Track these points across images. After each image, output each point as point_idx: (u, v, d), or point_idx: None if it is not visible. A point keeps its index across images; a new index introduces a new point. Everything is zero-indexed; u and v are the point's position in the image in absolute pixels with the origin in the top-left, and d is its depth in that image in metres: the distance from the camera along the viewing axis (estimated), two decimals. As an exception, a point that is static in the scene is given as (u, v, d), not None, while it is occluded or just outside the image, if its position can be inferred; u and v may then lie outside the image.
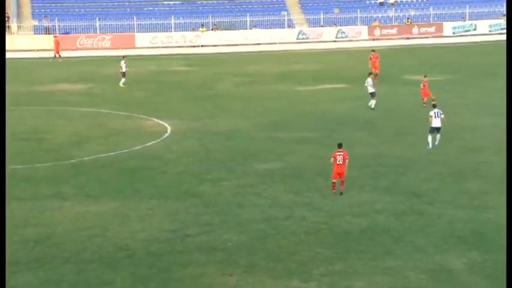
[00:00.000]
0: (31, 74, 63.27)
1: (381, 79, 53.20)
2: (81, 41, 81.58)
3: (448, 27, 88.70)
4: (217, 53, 78.21)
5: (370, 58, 58.44)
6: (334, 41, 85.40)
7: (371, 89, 44.94)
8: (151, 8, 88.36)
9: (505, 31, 75.98)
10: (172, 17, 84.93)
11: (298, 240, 23.34)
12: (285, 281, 20.33)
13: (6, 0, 78.57)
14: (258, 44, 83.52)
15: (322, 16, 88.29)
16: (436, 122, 34.71)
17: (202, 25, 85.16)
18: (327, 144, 34.00)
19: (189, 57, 75.39)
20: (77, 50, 79.74)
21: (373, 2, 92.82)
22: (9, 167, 28.61)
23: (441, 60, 67.40)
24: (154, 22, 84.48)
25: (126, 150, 35.43)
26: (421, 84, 45.99)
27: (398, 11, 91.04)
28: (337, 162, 27.54)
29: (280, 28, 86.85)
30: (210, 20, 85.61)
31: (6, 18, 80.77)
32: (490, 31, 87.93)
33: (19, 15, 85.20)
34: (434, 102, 37.10)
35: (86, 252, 22.56)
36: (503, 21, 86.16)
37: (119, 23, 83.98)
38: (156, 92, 53.15)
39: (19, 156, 33.84)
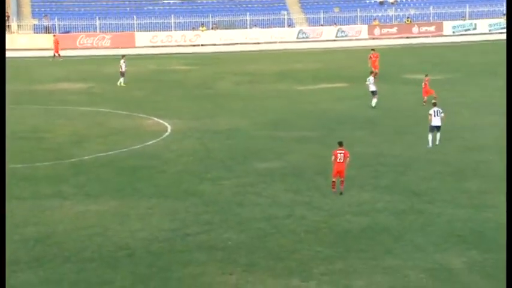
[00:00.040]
0: (31, 73, 63.27)
1: (380, 78, 53.14)
2: (81, 40, 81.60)
3: (448, 26, 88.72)
4: (217, 52, 78.19)
5: (370, 57, 58.50)
6: (334, 40, 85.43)
7: (372, 88, 44.93)
8: (151, 7, 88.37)
9: (505, 30, 75.94)
10: (172, 16, 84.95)
11: (298, 239, 23.35)
12: (285, 280, 20.33)
13: (6, -1, 78.64)
14: (258, 43, 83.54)
15: (322, 15, 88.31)
16: (435, 121, 34.71)
17: (202, 24, 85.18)
18: (327, 143, 34.01)
19: (189, 56, 75.40)
20: (76, 49, 79.75)
21: (373, 1, 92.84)
22: (9, 166, 28.63)
23: (441, 59, 67.43)
24: (154, 21, 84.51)
25: (125, 149, 35.43)
26: (423, 83, 46.06)
27: (398, 10, 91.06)
28: (338, 160, 27.54)
29: (280, 27, 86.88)
30: (210, 19, 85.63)
31: (6, 17, 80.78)
32: (490, 30, 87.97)
33: (19, 14, 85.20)
34: (434, 101, 37.13)
35: (86, 251, 22.56)
36: (503, 21, 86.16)
37: (119, 22, 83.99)
38: (156, 91, 53.16)
39: (19, 155, 33.85)
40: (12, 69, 57.27)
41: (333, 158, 27.73)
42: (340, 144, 28.06)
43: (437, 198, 27.17)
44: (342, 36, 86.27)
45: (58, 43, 73.96)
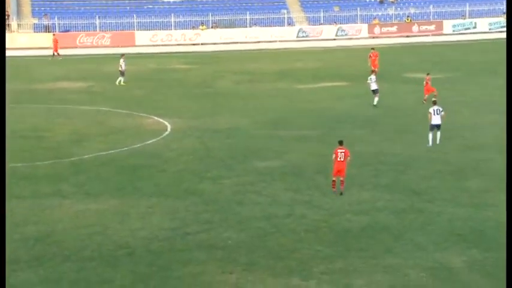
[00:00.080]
0: (31, 72, 63.27)
1: (380, 77, 52.97)
2: (81, 39, 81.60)
3: (448, 25, 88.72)
4: (217, 51, 78.19)
5: (370, 56, 58.52)
6: (334, 39, 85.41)
7: (374, 86, 44.84)
8: (151, 6, 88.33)
9: (505, 29, 75.98)
10: (172, 15, 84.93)
11: (298, 238, 23.34)
12: (285, 279, 20.33)
13: (6, -2, 78.65)
14: (258, 42, 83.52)
15: (322, 14, 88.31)
16: (435, 119, 34.70)
17: (202, 23, 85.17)
18: (327, 142, 34.00)
19: (189, 55, 75.39)
20: (76, 48, 79.77)
21: (373, 0, 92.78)
22: (9, 165, 28.63)
23: (441, 58, 67.42)
24: (154, 20, 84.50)
25: (126, 148, 35.43)
26: (424, 82, 46.06)
27: (398, 9, 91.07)
28: (338, 159, 27.49)
29: (280, 26, 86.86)
30: (210, 18, 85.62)
31: (6, 17, 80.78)
32: (490, 29, 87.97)
33: (19, 13, 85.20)
34: (434, 99, 37.13)
35: (86, 250, 22.56)
36: (503, 19, 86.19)
37: (119, 21, 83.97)
38: (156, 90, 53.15)
39: (19, 154, 33.84)
40: (12, 68, 57.26)
41: (334, 156, 27.68)
42: (341, 143, 28.01)
43: (437, 197, 27.16)
44: (342, 35, 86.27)
45: (57, 42, 73.96)
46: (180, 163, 32.69)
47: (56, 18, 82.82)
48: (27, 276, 20.76)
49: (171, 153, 34.49)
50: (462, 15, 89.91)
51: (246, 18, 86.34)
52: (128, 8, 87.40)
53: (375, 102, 44.47)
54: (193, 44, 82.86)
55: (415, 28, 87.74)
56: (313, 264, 21.24)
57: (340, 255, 21.85)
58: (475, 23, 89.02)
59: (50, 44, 74.72)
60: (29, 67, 66.65)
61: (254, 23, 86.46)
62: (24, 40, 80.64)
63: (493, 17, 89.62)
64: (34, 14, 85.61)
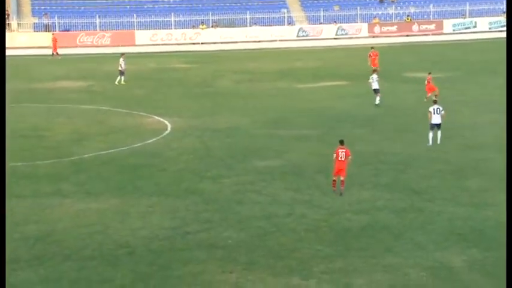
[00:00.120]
0: (31, 72, 63.27)
1: (380, 76, 52.86)
2: (81, 39, 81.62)
3: (448, 24, 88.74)
4: (217, 51, 78.18)
5: (370, 55, 58.52)
6: (334, 38, 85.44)
7: (375, 86, 44.72)
8: (151, 6, 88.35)
9: (505, 28, 75.98)
10: (172, 14, 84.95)
11: (298, 237, 23.35)
12: (285, 279, 20.34)
13: (6, -3, 78.65)
14: (258, 41, 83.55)
15: (322, 13, 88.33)
16: (435, 119, 34.70)
17: (202, 22, 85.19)
18: (327, 141, 34.02)
19: (189, 54, 75.38)
20: (76, 47, 79.79)
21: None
22: (10, 164, 28.63)
23: (441, 58, 67.41)
24: (154, 19, 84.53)
25: (126, 148, 35.44)
26: (425, 81, 46.03)
27: (399, 8, 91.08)
28: (339, 159, 27.44)
29: (280, 25, 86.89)
30: (210, 17, 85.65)
31: (6, 16, 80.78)
32: (490, 28, 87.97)
33: (19, 12, 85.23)
34: (435, 98, 37.10)
35: (87, 249, 22.57)
36: (503, 19, 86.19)
37: (119, 21, 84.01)
38: (156, 90, 53.16)
39: (19, 153, 33.85)
40: (12, 68, 57.24)
41: (334, 156, 27.63)
42: (342, 142, 27.95)
43: (437, 197, 27.17)
44: (342, 34, 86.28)
45: (56, 41, 74.00)
46: (180, 162, 32.71)
47: (56, 18, 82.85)
48: (28, 276, 20.77)
49: (171, 152, 34.51)
50: (462, 15, 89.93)
51: (246, 18, 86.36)
52: (128, 7, 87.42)
53: (377, 102, 44.40)
54: (194, 44, 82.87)
55: (415, 27, 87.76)
56: (313, 263, 21.25)
57: (340, 255, 21.86)
58: (475, 22, 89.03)
59: (50, 43, 74.75)
60: (29, 66, 66.65)
61: (254, 23, 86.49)
62: (24, 39, 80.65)
63: (493, 16, 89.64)
64: (34, 13, 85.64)
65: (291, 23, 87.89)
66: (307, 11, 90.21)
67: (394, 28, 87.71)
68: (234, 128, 39.36)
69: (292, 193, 27.81)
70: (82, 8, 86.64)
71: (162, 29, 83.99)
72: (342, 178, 27.44)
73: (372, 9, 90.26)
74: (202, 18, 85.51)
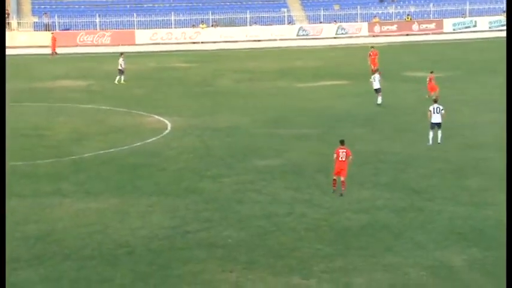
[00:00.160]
0: (31, 71, 63.28)
1: (381, 76, 53.10)
2: (81, 38, 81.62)
3: (448, 23, 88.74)
4: (217, 50, 78.18)
5: (370, 55, 58.48)
6: (334, 38, 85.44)
7: (376, 85, 44.55)
8: (151, 5, 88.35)
9: (505, 28, 75.93)
10: (172, 13, 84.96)
11: (298, 236, 23.35)
12: (285, 278, 20.33)
13: (6, -4, 78.66)
14: (258, 40, 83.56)
15: (322, 13, 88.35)
16: (435, 118, 34.69)
17: (203, 22, 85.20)
18: (327, 140, 34.02)
19: (189, 53, 75.39)
20: (77, 46, 79.79)
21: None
22: (10, 163, 28.61)
23: (441, 57, 67.39)
24: (155, 19, 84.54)
25: (126, 147, 35.44)
26: (427, 80, 45.91)
27: (399, 7, 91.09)
28: (340, 159, 27.36)
29: (280, 25, 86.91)
30: (210, 16, 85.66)
31: (6, 15, 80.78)
32: (490, 28, 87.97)
33: (19, 11, 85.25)
34: (435, 98, 37.06)
35: (86, 249, 22.57)
36: (503, 18, 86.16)
37: (119, 20, 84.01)
38: (156, 89, 53.15)
39: (19, 152, 33.85)
40: (12, 67, 57.12)
41: (335, 156, 27.52)
42: (342, 142, 27.85)
43: (437, 196, 27.17)
44: (342, 34, 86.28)
45: (55, 40, 73.99)
46: (180, 162, 32.70)
47: (56, 17, 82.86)
48: (28, 275, 20.78)
49: (171, 151, 34.50)
50: (462, 14, 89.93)
51: (246, 17, 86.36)
52: (128, 6, 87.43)
53: (379, 101, 44.27)
54: (194, 43, 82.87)
55: (415, 27, 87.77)
56: (313, 262, 21.25)
57: (340, 254, 21.86)
58: (475, 22, 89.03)
59: (50, 42, 74.72)
60: (29, 66, 66.65)
61: (254, 22, 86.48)
62: (24, 39, 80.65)
63: (493, 15, 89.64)
64: (34, 12, 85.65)
65: (291, 22, 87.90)
66: (307, 10, 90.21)
67: (394, 27, 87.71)
68: (234, 127, 39.36)
69: (292, 192, 27.81)
70: (82, 7, 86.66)
71: (162, 28, 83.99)
72: (342, 179, 27.33)
73: (372, 8, 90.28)
74: (202, 17, 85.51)
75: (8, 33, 74.44)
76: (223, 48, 79.27)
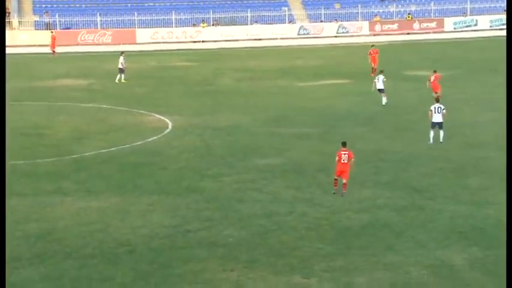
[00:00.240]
0: (32, 70, 63.30)
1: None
2: (82, 37, 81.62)
3: (449, 22, 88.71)
4: (218, 49, 78.18)
5: (370, 53, 58.39)
6: (335, 37, 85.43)
7: (380, 86, 44.36)
8: (152, 4, 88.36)
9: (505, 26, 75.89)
10: (173, 12, 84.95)
11: (299, 236, 23.34)
12: (286, 277, 20.33)
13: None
14: (259, 39, 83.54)
15: (323, 11, 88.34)
16: (436, 117, 34.67)
17: (203, 21, 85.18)
18: (328, 140, 34.04)
19: (190, 52, 75.38)
20: (78, 45, 79.79)
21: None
22: (10, 162, 28.62)
23: (442, 56, 67.37)
24: (155, 18, 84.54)
25: (127, 146, 35.44)
26: (432, 78, 45.81)
27: (400, 6, 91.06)
28: (342, 161, 27.14)
29: (281, 23, 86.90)
30: (211, 15, 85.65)
31: (7, 14, 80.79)
32: (491, 26, 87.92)
33: (20, 10, 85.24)
34: (436, 97, 37.02)
35: (87, 247, 22.57)
36: (504, 17, 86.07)
37: (120, 19, 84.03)
38: (156, 88, 53.15)
39: (20, 151, 33.85)
40: (13, 66, 57.16)
41: (337, 158, 27.26)
42: (344, 144, 27.59)
43: (438, 195, 27.16)
44: (343, 33, 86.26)
45: (55, 39, 74.00)
46: (181, 161, 32.70)
47: (56, 16, 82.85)
48: (29, 274, 20.78)
49: (171, 150, 34.51)
50: (463, 13, 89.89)
51: (247, 16, 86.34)
52: (129, 5, 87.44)
53: (384, 102, 44.07)
54: (194, 42, 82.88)
55: (416, 25, 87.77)
56: (314, 262, 21.24)
57: (341, 253, 21.86)
58: (476, 21, 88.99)
59: (49, 41, 74.70)
60: (29, 64, 66.66)
61: (255, 21, 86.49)
62: (25, 37, 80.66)
63: (494, 14, 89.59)
64: (35, 11, 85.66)
65: (291, 21, 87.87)
66: (308, 9, 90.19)
67: (395, 26, 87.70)
68: (234, 126, 39.36)
69: (293, 191, 27.80)
70: (83, 6, 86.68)
71: (163, 27, 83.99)
72: (344, 181, 27.20)
73: (373, 7, 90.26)
74: (203, 16, 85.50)
75: (9, 32, 74.48)
76: (224, 47, 79.28)
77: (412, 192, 27.47)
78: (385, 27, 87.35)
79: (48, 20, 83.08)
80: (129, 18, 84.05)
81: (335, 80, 55.31)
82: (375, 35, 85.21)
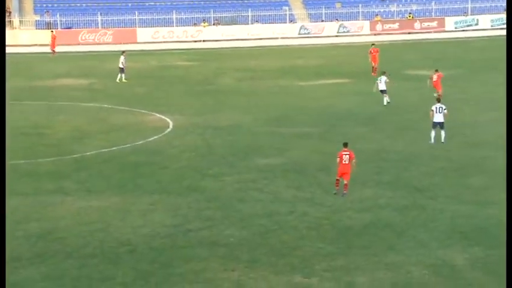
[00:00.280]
0: (32, 69, 63.27)
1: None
2: (83, 36, 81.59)
3: (450, 22, 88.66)
4: (219, 48, 78.17)
5: (370, 52, 58.35)
6: (336, 36, 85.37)
7: (382, 87, 44.20)
8: (152, 3, 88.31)
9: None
10: (174, 11, 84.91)
11: (300, 235, 23.32)
12: (287, 276, 20.31)
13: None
14: (260, 39, 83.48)
15: (323, 11, 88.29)
16: (437, 117, 34.65)
17: (204, 20, 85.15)
18: (329, 139, 34.02)
19: (190, 52, 75.36)
20: (79, 45, 79.77)
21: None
22: (11, 162, 28.61)
23: (443, 55, 67.33)
24: (156, 17, 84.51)
25: (128, 145, 35.42)
26: (435, 77, 45.78)
27: (400, 5, 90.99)
28: (343, 162, 27.05)
29: (282, 23, 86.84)
30: (212, 15, 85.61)
31: (8, 13, 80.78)
32: (491, 26, 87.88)
33: (21, 10, 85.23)
34: (437, 97, 36.99)
35: (88, 247, 22.55)
36: (505, 16, 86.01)
37: (121, 18, 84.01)
38: (157, 87, 53.14)
39: (21, 151, 33.85)
40: (14, 65, 57.23)
41: (338, 159, 27.19)
42: (345, 145, 27.50)
43: (439, 194, 27.14)
44: (344, 32, 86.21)
45: (55, 39, 73.98)
46: (182, 160, 32.69)
47: (57, 15, 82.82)
48: (29, 273, 20.76)
49: (172, 150, 34.49)
50: (464, 12, 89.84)
51: (248, 15, 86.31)
52: (130, 5, 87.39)
53: (385, 102, 43.96)
54: (195, 41, 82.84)
55: (417, 25, 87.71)
56: (315, 261, 21.22)
57: (342, 253, 21.84)
58: (477, 20, 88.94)
59: (49, 40, 74.68)
60: (30, 64, 66.65)
61: (256, 20, 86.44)
62: (26, 37, 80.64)
63: (494, 13, 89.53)
64: (36, 11, 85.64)
65: (292, 20, 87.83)
66: (309, 9, 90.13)
67: (396, 26, 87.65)
68: (235, 126, 39.34)
69: (294, 191, 27.78)
70: (84, 5, 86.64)
71: (164, 26, 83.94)
72: (345, 182, 27.15)
73: (374, 6, 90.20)
74: (204, 15, 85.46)
75: (9, 32, 74.56)
76: (225, 46, 79.26)
77: (413, 192, 27.45)
78: (386, 26, 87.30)
79: (49, 19, 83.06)
80: (129, 17, 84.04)
81: (336, 79, 55.28)
82: (375, 34, 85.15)
